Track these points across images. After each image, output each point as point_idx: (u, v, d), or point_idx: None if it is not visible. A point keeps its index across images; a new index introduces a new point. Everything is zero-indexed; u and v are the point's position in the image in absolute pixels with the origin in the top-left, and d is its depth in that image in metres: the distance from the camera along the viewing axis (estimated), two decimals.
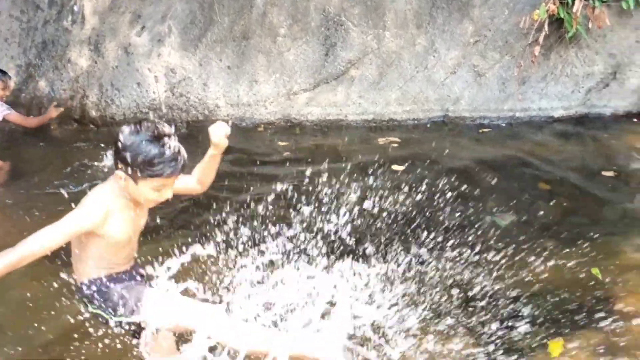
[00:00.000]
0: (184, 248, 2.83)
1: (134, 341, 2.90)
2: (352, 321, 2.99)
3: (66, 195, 2.61)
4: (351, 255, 3.09)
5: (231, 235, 3.59)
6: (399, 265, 3.31)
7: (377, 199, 3.15)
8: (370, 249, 3.10)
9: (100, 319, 2.73)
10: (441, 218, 4.01)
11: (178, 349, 2.93)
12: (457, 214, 4.07)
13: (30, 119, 6.77)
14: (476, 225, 4.21)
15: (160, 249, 3.13)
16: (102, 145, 6.28)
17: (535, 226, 4.31)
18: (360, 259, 3.06)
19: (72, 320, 3.46)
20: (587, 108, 7.02)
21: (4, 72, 6.38)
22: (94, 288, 2.67)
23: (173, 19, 7.25)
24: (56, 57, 7.39)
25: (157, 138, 2.52)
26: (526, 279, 3.58)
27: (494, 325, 3.27)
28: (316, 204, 3.59)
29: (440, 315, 3.36)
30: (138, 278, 2.81)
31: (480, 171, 5.46)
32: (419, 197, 3.47)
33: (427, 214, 3.48)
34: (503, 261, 3.75)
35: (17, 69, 7.48)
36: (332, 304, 2.98)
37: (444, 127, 6.96)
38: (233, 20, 7.22)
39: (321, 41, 7.15)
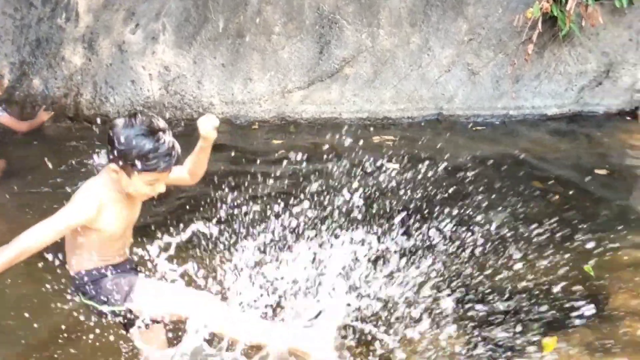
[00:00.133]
0: (181, 231, 2.83)
1: (127, 334, 2.90)
2: (346, 318, 3.00)
3: (61, 194, 2.60)
4: (343, 253, 3.10)
5: (225, 232, 3.60)
6: (389, 262, 3.33)
7: (371, 197, 3.16)
8: (362, 246, 3.10)
9: (93, 310, 2.71)
10: (434, 215, 4.02)
11: (170, 344, 2.94)
12: (450, 212, 4.09)
13: (21, 123, 6.68)
14: (469, 223, 4.23)
15: (154, 244, 3.13)
16: (97, 143, 6.27)
17: (528, 224, 4.33)
18: (352, 256, 3.07)
19: (67, 319, 3.48)
20: (580, 106, 7.05)
21: None
22: (86, 279, 2.66)
23: (167, 17, 7.24)
24: (50, 55, 7.37)
25: (152, 132, 2.52)
26: (519, 276, 3.60)
27: (487, 322, 3.29)
28: (310, 203, 3.60)
29: (432, 311, 3.38)
30: (131, 270, 2.81)
31: (474, 169, 5.47)
32: (411, 194, 3.48)
33: (420, 211, 3.49)
34: (496, 258, 3.77)
35: (11, 67, 7.46)
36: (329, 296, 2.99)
37: (438, 125, 6.97)
38: (227, 18, 7.22)
39: (315, 39, 7.16)
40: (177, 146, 2.59)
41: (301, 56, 7.16)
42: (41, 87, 7.35)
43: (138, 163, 2.50)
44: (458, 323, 3.31)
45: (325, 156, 5.33)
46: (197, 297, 2.64)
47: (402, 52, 7.12)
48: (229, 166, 5.64)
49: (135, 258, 2.92)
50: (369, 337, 3.04)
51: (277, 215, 3.48)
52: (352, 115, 7.10)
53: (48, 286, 3.40)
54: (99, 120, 6.84)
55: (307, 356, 2.69)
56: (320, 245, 3.11)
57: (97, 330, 3.23)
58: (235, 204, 4.46)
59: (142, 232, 2.87)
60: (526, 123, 6.90)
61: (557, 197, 4.83)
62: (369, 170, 3.81)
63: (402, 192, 3.23)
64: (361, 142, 6.13)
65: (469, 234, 3.99)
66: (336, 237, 3.09)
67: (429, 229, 3.49)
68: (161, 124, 2.57)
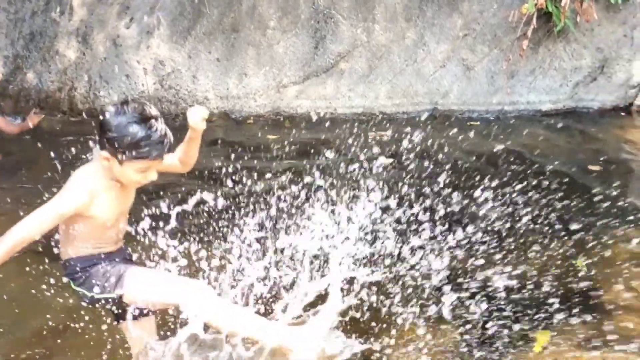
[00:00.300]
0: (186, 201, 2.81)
1: (117, 325, 2.89)
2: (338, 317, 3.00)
3: (55, 189, 2.59)
4: (339, 249, 3.10)
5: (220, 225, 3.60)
6: (383, 257, 3.34)
7: (366, 192, 3.17)
8: (356, 241, 3.11)
9: (84, 298, 2.69)
10: (428, 211, 4.03)
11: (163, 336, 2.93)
12: (444, 207, 4.10)
13: (11, 126, 6.58)
14: (462, 219, 4.24)
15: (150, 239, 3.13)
16: (91, 137, 6.24)
17: (521, 218, 4.34)
18: (346, 255, 3.08)
19: (60, 314, 3.48)
20: (575, 102, 7.06)
21: None
22: (77, 266, 2.65)
23: (162, 11, 7.21)
24: (44, 49, 7.35)
25: (144, 120, 2.50)
26: (512, 271, 3.60)
27: (480, 317, 3.29)
28: (305, 198, 3.60)
29: (425, 307, 3.39)
30: (124, 260, 2.79)
31: (468, 164, 5.49)
32: (406, 189, 3.49)
33: (414, 206, 3.49)
34: (488, 253, 3.78)
35: (5, 61, 7.43)
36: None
37: (433, 120, 6.98)
38: (222, 13, 7.20)
39: (311, 34, 7.15)
40: (170, 134, 2.57)
41: (296, 51, 7.15)
42: (35, 81, 7.32)
43: (129, 151, 2.48)
44: (450, 318, 3.32)
45: (319, 151, 5.34)
46: (190, 286, 2.60)
47: (398, 47, 7.12)
48: (223, 160, 5.63)
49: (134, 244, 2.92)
50: (363, 334, 3.05)
51: (271, 210, 3.49)
52: (347, 110, 7.10)
53: (39, 281, 3.39)
54: (93, 114, 6.82)
55: (289, 352, 2.68)
56: (315, 240, 3.11)
57: (90, 325, 3.24)
58: (229, 198, 4.46)
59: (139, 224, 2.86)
60: (521, 118, 6.91)
61: (550, 192, 4.84)
62: (362, 165, 3.81)
63: (394, 187, 3.23)
64: (355, 137, 6.14)
65: (462, 228, 4.00)
66: (329, 236, 3.09)
67: (421, 224, 3.50)
68: (153, 111, 2.55)
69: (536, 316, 3.33)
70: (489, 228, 4.15)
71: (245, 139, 6.55)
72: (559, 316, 3.31)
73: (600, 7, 6.77)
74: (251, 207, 3.83)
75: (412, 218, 3.51)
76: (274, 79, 7.13)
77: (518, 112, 7.01)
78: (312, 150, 5.95)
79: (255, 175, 5.08)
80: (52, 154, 4.41)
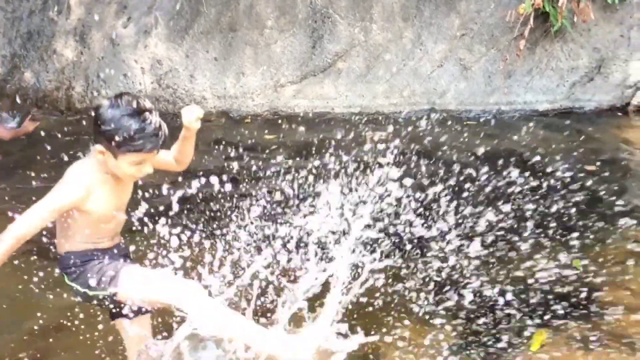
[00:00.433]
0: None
1: (112, 322, 2.90)
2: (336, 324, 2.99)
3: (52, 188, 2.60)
4: (336, 250, 3.11)
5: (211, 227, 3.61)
6: (384, 257, 3.34)
7: (363, 193, 3.17)
8: (355, 242, 3.12)
9: (78, 294, 2.69)
10: (426, 211, 4.04)
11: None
12: (442, 207, 4.11)
13: (4, 132, 6.55)
14: (460, 218, 4.24)
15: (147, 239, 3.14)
16: (88, 137, 6.24)
17: (518, 218, 4.36)
18: (345, 252, 3.08)
19: (56, 313, 3.48)
20: (572, 102, 7.07)
21: None
22: (72, 260, 2.64)
23: (159, 10, 7.22)
24: (42, 48, 7.34)
25: (138, 112, 2.49)
26: (508, 271, 3.62)
27: (477, 317, 3.31)
28: (302, 199, 3.61)
29: (424, 306, 3.40)
30: (121, 257, 2.79)
31: (466, 164, 5.49)
32: (403, 190, 3.49)
33: (413, 207, 3.50)
34: (484, 253, 3.79)
35: (2, 60, 7.43)
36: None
37: (430, 120, 6.98)
38: (220, 12, 7.21)
39: (308, 33, 7.16)
40: (165, 127, 2.56)
41: (294, 50, 7.15)
42: (33, 80, 7.32)
43: (124, 144, 2.48)
44: (447, 318, 3.34)
45: (316, 151, 5.34)
46: (184, 287, 2.58)
47: (395, 46, 7.13)
48: (220, 159, 5.64)
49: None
50: (360, 332, 3.05)
51: (267, 208, 3.49)
52: (344, 109, 7.11)
53: (34, 281, 3.39)
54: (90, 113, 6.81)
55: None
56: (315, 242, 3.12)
57: (84, 326, 3.24)
58: (225, 198, 4.47)
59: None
60: (518, 118, 6.92)
61: (547, 192, 4.86)
62: (359, 165, 3.82)
63: (392, 186, 3.24)
64: (353, 137, 6.15)
65: (459, 228, 4.01)
66: (326, 236, 3.09)
67: (419, 224, 3.51)
68: (147, 104, 2.54)
69: (533, 316, 3.34)
70: (484, 228, 4.16)
71: (243, 139, 6.55)
72: (556, 316, 3.33)
73: (597, 7, 6.79)
74: (247, 206, 3.84)
75: (408, 218, 3.52)
76: (271, 79, 7.14)
77: (515, 112, 7.01)
78: (309, 150, 5.95)
79: (252, 174, 5.10)
80: (50, 154, 4.41)
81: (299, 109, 7.12)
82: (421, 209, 3.51)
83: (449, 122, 6.88)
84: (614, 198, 4.91)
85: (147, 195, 2.88)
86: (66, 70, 7.26)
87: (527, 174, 5.33)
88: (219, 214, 4.50)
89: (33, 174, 5.42)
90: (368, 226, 3.04)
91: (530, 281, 3.60)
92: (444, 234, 3.84)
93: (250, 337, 2.63)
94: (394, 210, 3.36)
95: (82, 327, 3.27)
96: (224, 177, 2.90)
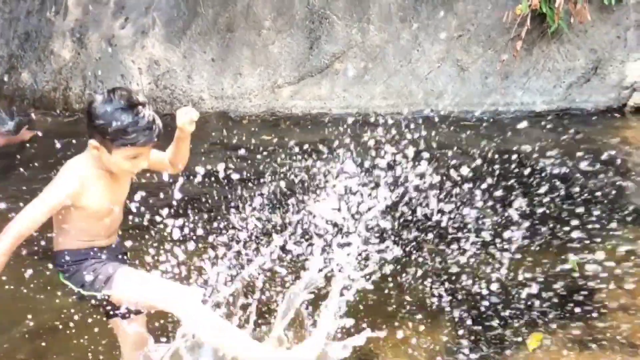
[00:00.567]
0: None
1: (107, 320, 2.89)
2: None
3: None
4: (333, 252, 3.12)
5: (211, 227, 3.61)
6: (379, 258, 3.35)
7: (360, 193, 3.18)
8: (351, 243, 3.12)
9: (72, 292, 2.68)
10: (423, 211, 4.05)
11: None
12: (438, 208, 4.11)
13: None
14: (456, 219, 4.25)
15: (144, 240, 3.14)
16: (86, 137, 6.23)
17: (515, 219, 4.36)
18: (341, 253, 3.09)
19: (52, 312, 3.48)
20: (569, 103, 7.08)
21: None
22: (67, 258, 2.64)
23: (157, 11, 7.22)
24: (39, 49, 7.34)
25: (131, 106, 2.50)
26: (505, 272, 3.63)
27: (474, 318, 3.31)
28: (299, 201, 3.62)
29: (420, 308, 3.41)
30: (117, 257, 2.78)
31: (463, 164, 5.48)
32: (400, 191, 3.50)
33: (410, 207, 3.51)
34: (482, 254, 3.80)
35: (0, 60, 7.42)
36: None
37: (427, 121, 6.99)
38: (217, 13, 7.21)
39: (306, 34, 7.16)
40: (159, 121, 2.56)
41: (291, 51, 7.16)
42: (30, 80, 7.32)
43: (117, 137, 2.48)
44: (444, 319, 3.34)
45: (314, 152, 5.34)
46: (178, 294, 2.57)
47: (392, 47, 7.14)
48: (217, 161, 5.64)
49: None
50: (357, 333, 3.06)
51: (264, 211, 3.49)
52: (341, 110, 7.11)
53: (31, 280, 3.38)
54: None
55: None
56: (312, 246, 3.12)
57: (81, 325, 3.24)
58: (222, 198, 4.48)
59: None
60: (515, 119, 6.92)
61: (543, 192, 4.87)
62: (357, 165, 3.82)
63: (389, 187, 3.24)
64: (350, 138, 6.14)
65: (456, 229, 4.02)
66: (323, 237, 3.10)
67: (416, 225, 3.52)
68: (140, 98, 2.54)
69: (529, 317, 3.35)
70: (482, 229, 4.17)
71: (240, 139, 6.55)
72: (552, 317, 3.33)
73: (593, 9, 6.80)
74: (244, 206, 3.84)
75: (405, 219, 3.53)
76: (268, 79, 7.14)
77: (512, 112, 7.02)
78: (306, 151, 5.95)
79: (249, 175, 5.10)
80: (47, 154, 4.42)
81: (296, 110, 7.13)
82: (418, 210, 3.51)
83: (446, 123, 6.90)
84: (611, 198, 4.92)
85: (145, 195, 2.87)
86: (63, 71, 7.26)
87: (523, 174, 5.35)
88: (215, 213, 4.50)
89: (30, 175, 5.43)
90: (364, 228, 3.04)
91: (527, 282, 3.61)
92: (439, 235, 3.85)
93: (240, 351, 2.59)
94: (390, 211, 3.37)
95: (79, 327, 3.27)
96: (221, 178, 2.91)
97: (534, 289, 3.55)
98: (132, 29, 7.19)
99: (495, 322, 3.30)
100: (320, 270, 2.94)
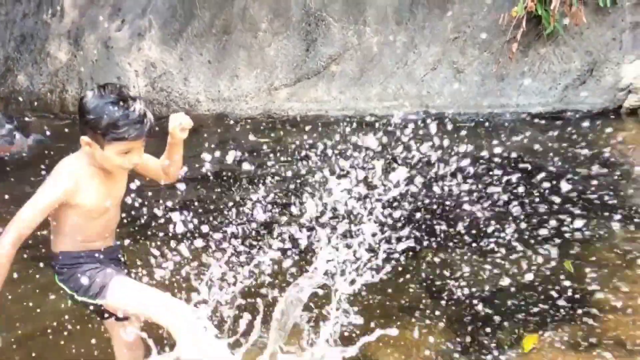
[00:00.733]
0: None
1: (101, 321, 2.89)
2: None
3: None
4: (330, 254, 3.12)
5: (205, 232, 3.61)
6: (375, 259, 3.35)
7: (356, 196, 3.18)
8: (347, 245, 3.13)
9: (68, 297, 2.68)
10: (418, 213, 4.06)
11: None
12: (434, 209, 4.13)
13: None
14: (451, 221, 4.26)
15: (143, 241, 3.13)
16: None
17: (511, 220, 4.37)
18: (338, 256, 3.09)
19: (51, 315, 3.47)
20: (564, 104, 7.10)
21: None
22: (63, 260, 2.64)
23: (153, 13, 7.22)
24: (35, 51, 7.34)
25: (122, 100, 2.50)
26: (500, 273, 3.63)
27: (470, 320, 3.31)
28: (296, 204, 3.62)
29: (416, 309, 3.41)
30: (113, 261, 2.78)
31: (459, 166, 5.50)
32: (395, 193, 3.50)
33: (405, 209, 3.51)
34: (477, 255, 3.80)
35: None
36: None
37: (423, 123, 7.00)
38: (214, 15, 7.22)
39: (302, 36, 7.17)
40: (150, 115, 2.56)
41: (288, 53, 7.17)
42: (26, 83, 7.31)
43: (108, 132, 2.48)
44: (439, 320, 3.34)
45: (309, 153, 5.34)
46: (172, 307, 2.56)
47: (388, 50, 7.15)
48: (214, 163, 5.63)
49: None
50: (350, 335, 3.06)
51: (258, 211, 3.49)
52: (338, 112, 7.12)
53: (29, 282, 3.39)
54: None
55: None
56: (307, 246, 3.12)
57: (78, 327, 3.24)
58: (219, 200, 4.47)
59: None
60: (511, 121, 6.94)
61: (539, 194, 4.88)
62: (353, 167, 3.83)
63: (385, 189, 3.25)
64: (346, 140, 6.15)
65: (452, 230, 4.02)
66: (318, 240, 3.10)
67: (411, 226, 3.52)
68: (131, 93, 2.56)
69: (524, 318, 3.35)
70: (479, 230, 4.17)
71: (237, 141, 6.56)
72: (547, 318, 3.34)
73: (589, 11, 6.82)
74: (241, 209, 3.84)
75: (401, 220, 3.53)
76: (265, 82, 7.15)
77: (508, 114, 7.04)
78: (303, 152, 5.96)
79: (246, 177, 5.10)
80: (43, 156, 4.40)
81: (292, 112, 7.13)
82: (415, 211, 3.52)
83: (442, 125, 6.90)
84: (606, 200, 4.93)
85: (143, 196, 2.88)
86: (60, 73, 7.25)
87: (519, 176, 5.36)
88: (212, 216, 4.50)
89: (26, 177, 5.42)
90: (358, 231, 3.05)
91: (522, 283, 3.61)
92: (435, 237, 3.85)
93: None
94: (388, 209, 3.38)
95: (76, 329, 3.27)
96: (218, 180, 2.91)
97: (529, 291, 3.56)
98: (129, 31, 7.20)
99: (490, 324, 3.30)
100: (323, 272, 2.94)
